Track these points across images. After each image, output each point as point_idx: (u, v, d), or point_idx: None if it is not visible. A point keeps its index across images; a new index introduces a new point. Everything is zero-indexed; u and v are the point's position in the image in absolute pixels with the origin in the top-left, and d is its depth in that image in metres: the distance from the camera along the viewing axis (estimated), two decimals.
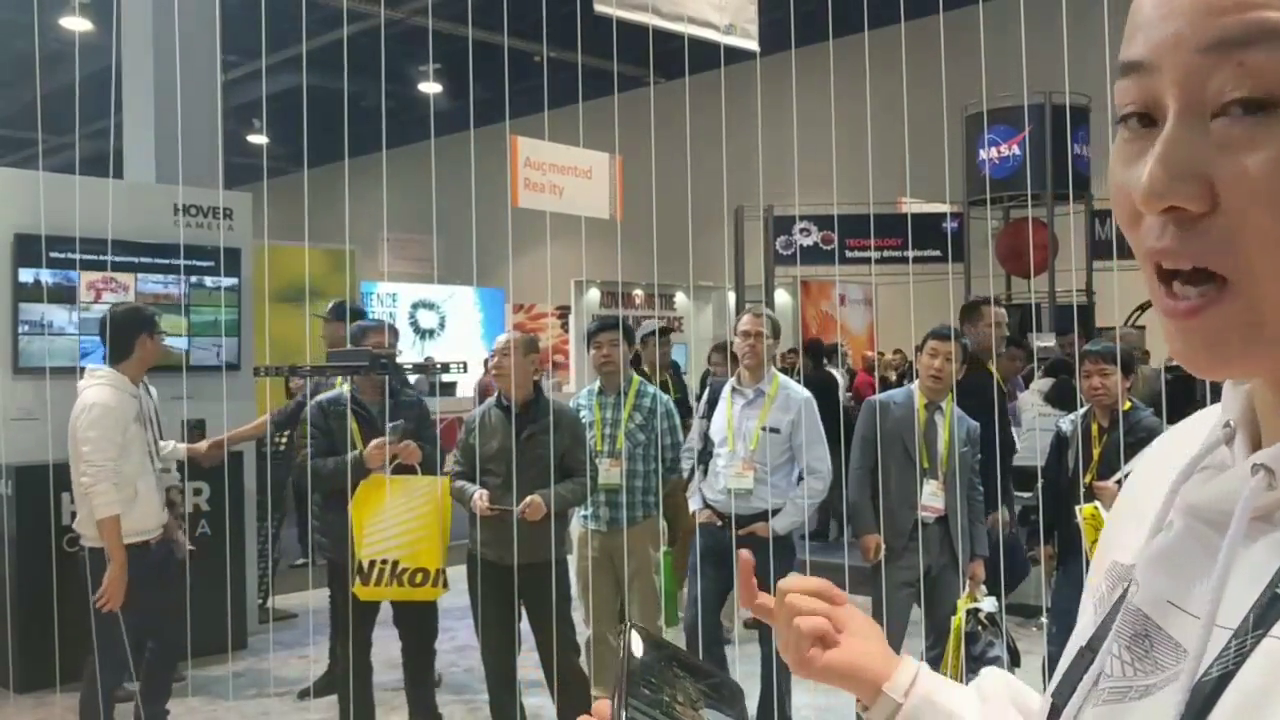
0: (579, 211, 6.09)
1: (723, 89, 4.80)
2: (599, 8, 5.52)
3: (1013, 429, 6.16)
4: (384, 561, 4.25)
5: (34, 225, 5.29)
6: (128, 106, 7.05)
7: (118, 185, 6.67)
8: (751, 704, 4.66)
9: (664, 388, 6.46)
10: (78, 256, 5.79)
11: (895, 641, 4.48)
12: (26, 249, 5.75)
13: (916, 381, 4.59)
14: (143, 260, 6.32)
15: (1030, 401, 6.76)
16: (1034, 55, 4.14)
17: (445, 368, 5.22)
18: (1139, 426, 4.45)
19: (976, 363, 5.34)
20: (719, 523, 4.60)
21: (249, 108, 15.47)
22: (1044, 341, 8.87)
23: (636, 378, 5.15)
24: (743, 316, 4.83)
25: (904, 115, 4.01)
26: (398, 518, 4.29)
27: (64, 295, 6.00)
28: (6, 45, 12.17)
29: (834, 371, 10.79)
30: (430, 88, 16.00)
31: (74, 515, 4.50)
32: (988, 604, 4.37)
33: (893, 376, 10.63)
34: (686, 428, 5.37)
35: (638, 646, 0.87)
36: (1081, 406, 4.84)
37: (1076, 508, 4.36)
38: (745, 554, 1.03)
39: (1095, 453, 4.70)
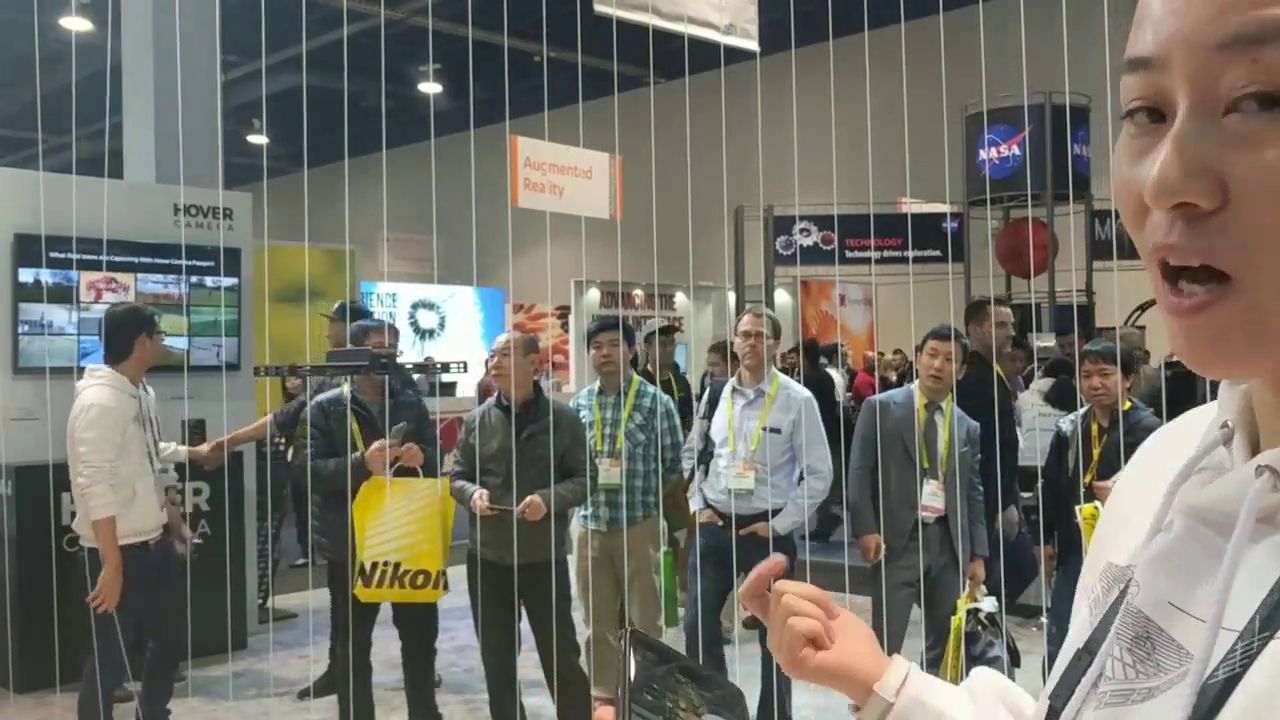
0: (579, 211, 6.09)
1: (723, 89, 4.81)
2: (599, 8, 5.52)
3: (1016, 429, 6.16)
4: (386, 563, 4.26)
5: (34, 225, 5.30)
6: (128, 106, 7.05)
7: (118, 185, 6.68)
8: (751, 704, 4.66)
9: (666, 387, 6.46)
10: (74, 256, 5.79)
11: (895, 641, 4.48)
12: (26, 249, 5.76)
13: (916, 381, 4.59)
14: (143, 260, 6.32)
15: (1030, 401, 6.76)
16: (1034, 55, 4.14)
17: (445, 367, 5.22)
18: (1139, 426, 4.45)
19: (981, 362, 5.34)
20: (720, 523, 4.61)
21: (249, 108, 15.47)
22: (1044, 341, 8.87)
23: (636, 378, 5.15)
24: (743, 317, 4.83)
25: (904, 115, 4.01)
26: (400, 520, 4.29)
27: (64, 295, 6.00)
28: (6, 45, 12.17)
29: (833, 372, 10.79)
30: (430, 88, 16.00)
31: (74, 515, 4.50)
32: (988, 604, 4.37)
33: (893, 376, 10.63)
34: (689, 428, 5.38)
35: (639, 653, 0.88)
36: (1081, 406, 4.84)
37: (1076, 508, 4.36)
38: (780, 559, 1.03)
39: (1095, 453, 4.70)
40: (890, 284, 11.55)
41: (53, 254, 5.74)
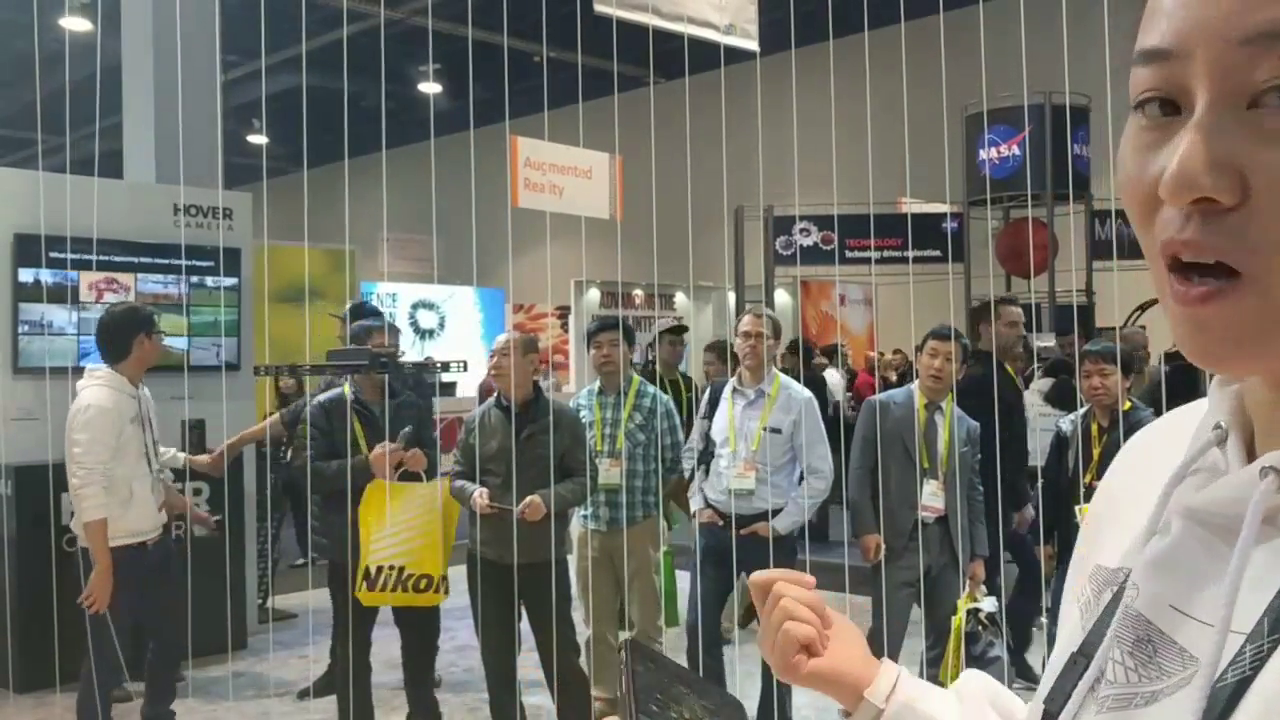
0: (579, 211, 6.09)
1: (723, 89, 4.81)
2: (599, 8, 5.52)
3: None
4: (390, 567, 4.26)
5: (34, 225, 5.29)
6: (128, 106, 7.05)
7: (117, 185, 6.68)
8: (752, 704, 4.66)
9: (675, 388, 6.45)
10: (69, 256, 5.78)
11: (895, 641, 4.48)
12: (26, 249, 5.75)
13: (916, 381, 4.59)
14: (143, 260, 6.32)
15: (1030, 401, 6.76)
16: (1034, 55, 4.14)
17: (445, 367, 5.22)
18: (1139, 426, 4.39)
19: (993, 361, 5.35)
20: (720, 523, 4.61)
21: (249, 108, 15.46)
22: (1044, 341, 8.86)
23: (636, 378, 5.15)
24: (743, 317, 4.83)
25: (904, 115, 4.01)
26: (404, 524, 4.30)
27: (64, 295, 6.00)
28: (6, 45, 12.17)
29: (834, 371, 10.79)
30: (430, 88, 15.99)
31: (73, 515, 4.50)
32: (988, 604, 4.37)
33: (893, 376, 10.63)
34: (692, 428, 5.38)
35: (639, 664, 0.88)
36: (1081, 406, 4.84)
37: (1076, 508, 4.36)
38: (810, 581, 1.02)
39: (1095, 453, 4.70)
40: (890, 284, 11.55)
41: (53, 254, 5.74)
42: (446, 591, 4.40)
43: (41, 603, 4.72)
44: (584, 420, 4.83)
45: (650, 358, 10.53)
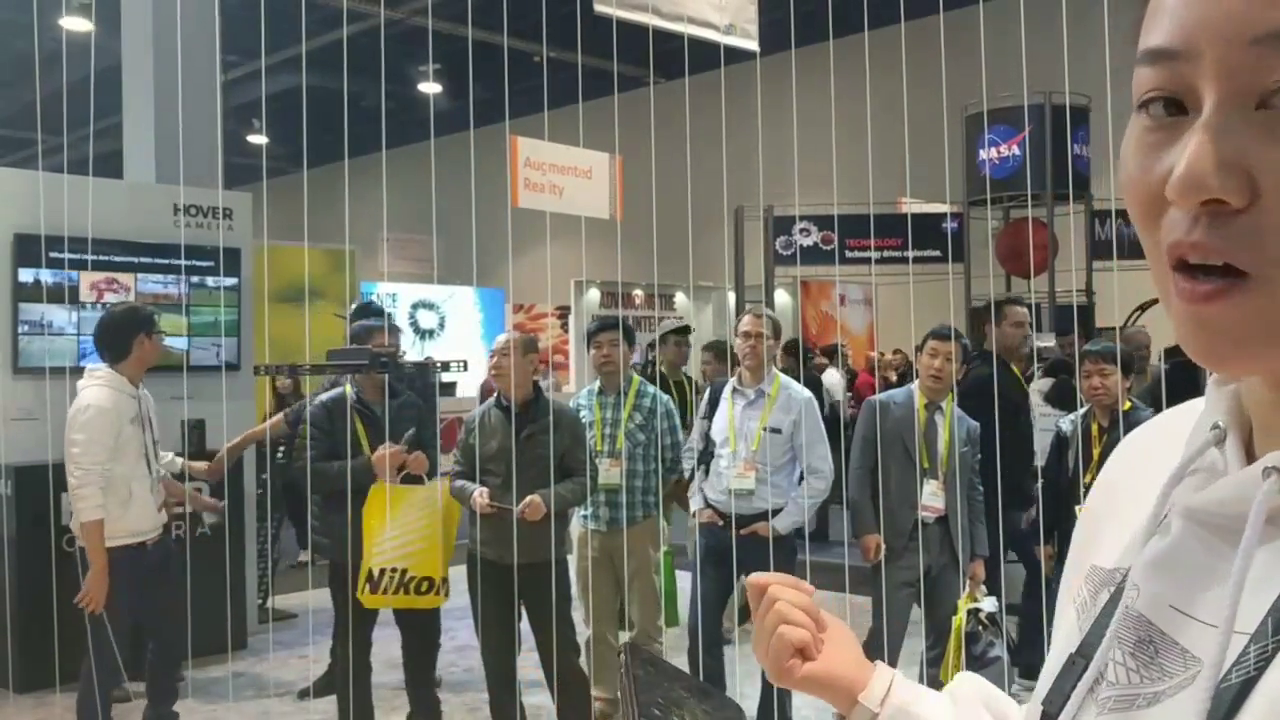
0: (579, 211, 6.09)
1: (723, 89, 4.81)
2: (599, 8, 5.52)
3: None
4: (393, 570, 4.27)
5: (34, 225, 5.29)
6: (128, 106, 7.05)
7: (117, 185, 6.68)
8: (751, 704, 4.66)
9: (680, 389, 6.45)
10: (66, 255, 5.78)
11: (895, 641, 4.48)
12: (26, 249, 5.75)
13: (916, 381, 4.59)
14: (143, 260, 6.32)
15: (1031, 402, 6.76)
16: (1034, 55, 4.14)
17: (445, 367, 5.22)
18: (1139, 426, 4.45)
19: (999, 362, 5.36)
20: (720, 523, 4.61)
21: (249, 108, 15.46)
22: (1044, 341, 8.86)
23: (636, 378, 5.15)
24: (743, 317, 4.83)
25: (904, 115, 4.01)
26: (407, 527, 4.30)
27: (64, 295, 6.00)
28: (6, 45, 12.17)
29: (834, 371, 10.79)
30: (430, 88, 15.98)
31: (72, 515, 4.50)
32: (988, 604, 4.37)
33: (893, 376, 10.62)
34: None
35: (639, 668, 0.88)
36: (1081, 406, 4.84)
37: (1077, 508, 4.35)
38: (809, 589, 1.02)
39: (1095, 453, 4.70)
40: (890, 284, 11.54)
41: (53, 254, 5.74)
42: (447, 594, 4.41)
43: (41, 603, 4.72)
44: (584, 420, 4.83)
45: (651, 358, 10.54)
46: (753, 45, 6.35)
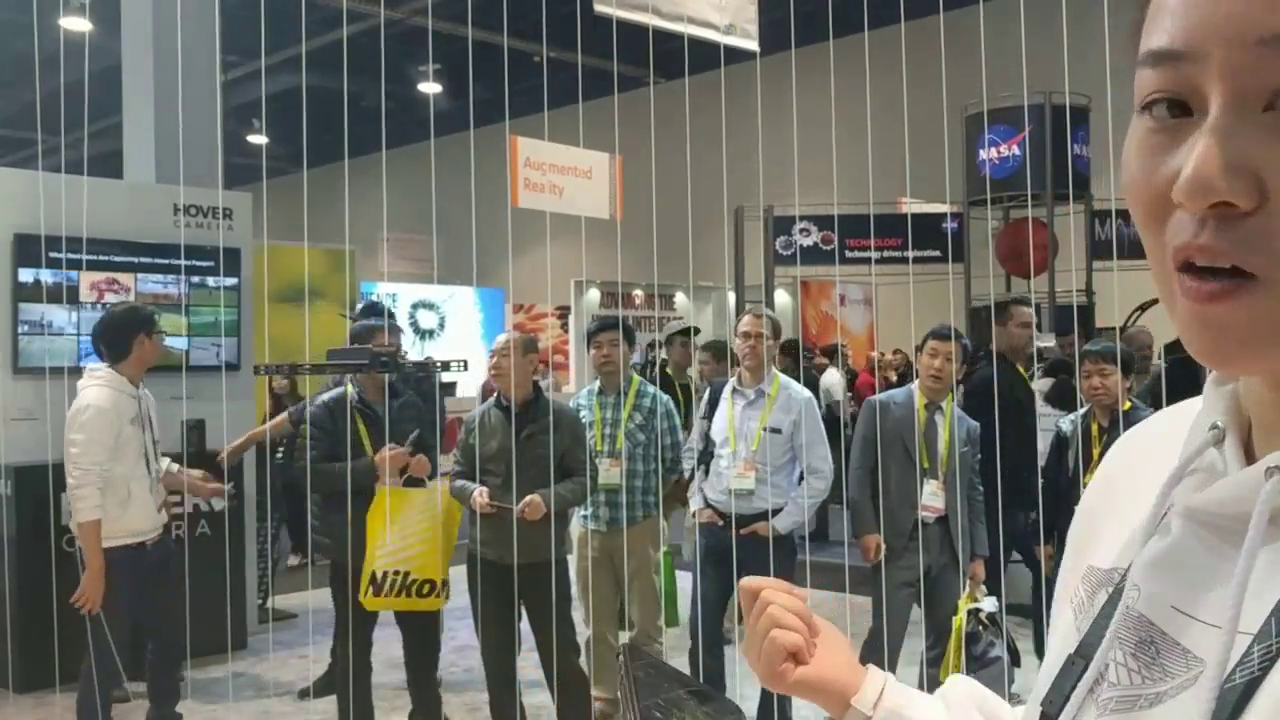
0: (579, 211, 6.09)
1: (723, 89, 4.81)
2: (599, 8, 5.52)
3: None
4: (396, 573, 4.28)
5: (34, 225, 5.29)
6: (128, 106, 7.05)
7: (117, 185, 6.69)
8: (751, 705, 4.66)
9: (685, 391, 6.44)
10: (64, 255, 5.78)
11: (895, 641, 4.48)
12: (26, 249, 5.75)
13: (916, 381, 4.59)
14: (143, 260, 6.32)
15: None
16: (1034, 55, 4.14)
17: (446, 366, 5.22)
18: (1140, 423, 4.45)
19: (1005, 362, 5.37)
20: (720, 523, 4.61)
21: (249, 108, 15.45)
22: (1044, 342, 8.86)
23: (636, 377, 5.15)
24: (743, 317, 4.83)
25: (904, 115, 4.01)
26: (411, 530, 4.32)
27: (65, 295, 6.00)
28: (6, 45, 12.17)
29: (834, 371, 10.79)
30: (430, 88, 15.98)
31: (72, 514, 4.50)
32: (988, 604, 4.37)
33: (893, 376, 10.62)
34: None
35: (639, 669, 0.89)
36: (1081, 406, 4.84)
37: (1077, 508, 4.35)
38: (801, 593, 1.02)
39: (1095, 453, 4.70)
40: (890, 284, 11.54)
41: (52, 254, 5.74)
42: (447, 596, 4.42)
43: (41, 603, 4.72)
44: (584, 420, 4.83)
45: (651, 357, 10.53)
46: (753, 45, 6.35)
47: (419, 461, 4.42)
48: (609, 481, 4.84)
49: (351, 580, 4.33)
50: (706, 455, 4.75)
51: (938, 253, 11.04)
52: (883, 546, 4.47)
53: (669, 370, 6.88)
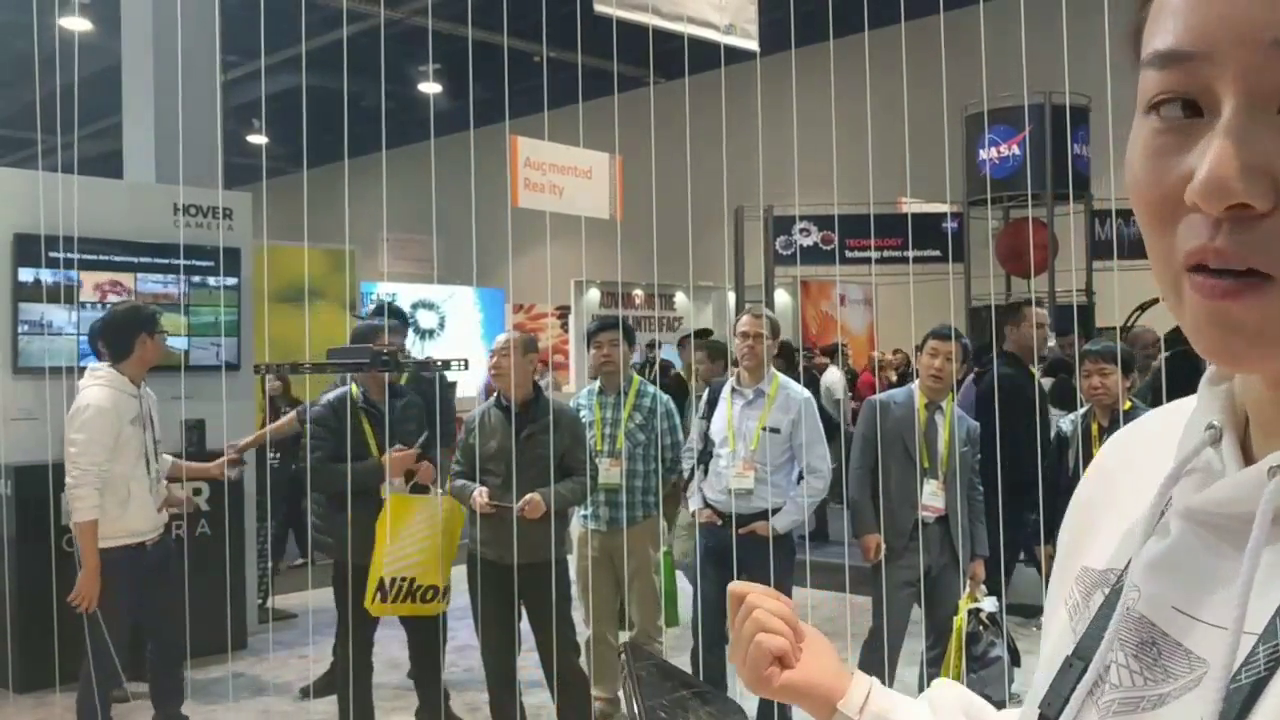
0: (579, 211, 6.09)
1: (723, 89, 4.80)
2: (599, 8, 5.52)
3: None
4: (403, 579, 4.29)
5: (34, 225, 5.29)
6: (128, 106, 7.05)
7: (118, 185, 6.69)
8: (752, 704, 4.65)
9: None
10: (61, 255, 5.77)
11: (895, 641, 4.48)
12: (26, 249, 5.75)
13: (916, 381, 4.59)
14: (142, 260, 6.32)
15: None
16: (1034, 55, 4.14)
17: (446, 365, 5.22)
18: (1140, 417, 4.45)
19: (1017, 363, 5.37)
20: (719, 522, 4.61)
21: (249, 108, 15.46)
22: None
23: (636, 377, 5.15)
24: (741, 317, 4.83)
25: (904, 115, 4.01)
26: (417, 536, 4.33)
27: (65, 295, 6.00)
28: (6, 45, 12.17)
29: (834, 370, 10.78)
30: (430, 88, 15.99)
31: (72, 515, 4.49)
32: (988, 604, 4.37)
33: (893, 376, 10.63)
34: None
35: (642, 668, 0.89)
36: (1081, 406, 4.84)
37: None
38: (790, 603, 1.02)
39: (1095, 452, 4.70)
40: (890, 284, 11.55)
41: (52, 254, 5.74)
42: (448, 601, 4.44)
43: (41, 603, 4.72)
44: (584, 420, 4.83)
45: (650, 357, 10.53)
46: (753, 45, 6.36)
47: (426, 469, 4.44)
48: (609, 481, 4.84)
49: (353, 580, 4.32)
50: (706, 455, 4.75)
51: (938, 253, 11.05)
52: (883, 546, 4.47)
53: (679, 372, 6.87)
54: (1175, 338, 5.20)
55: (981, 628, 4.29)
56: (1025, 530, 5.28)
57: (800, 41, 4.33)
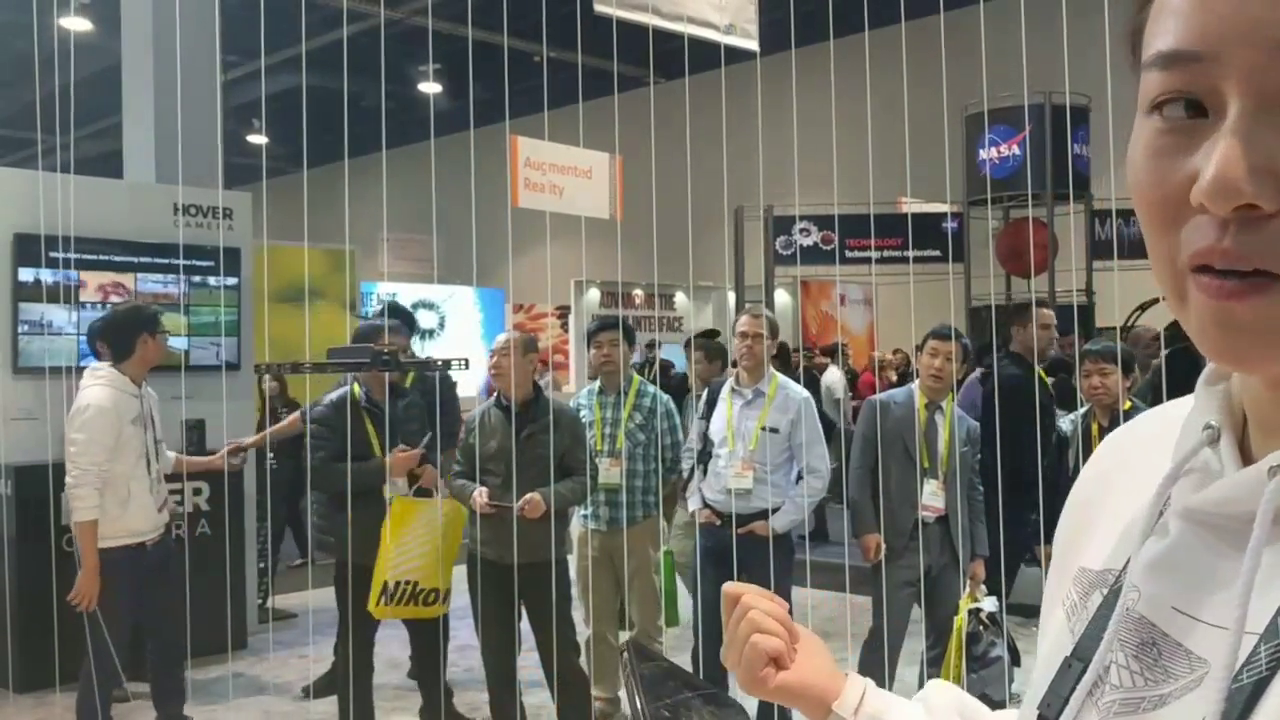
0: (579, 211, 6.09)
1: (723, 89, 4.80)
2: (599, 8, 5.52)
3: None
4: (407, 582, 4.30)
5: (34, 225, 5.30)
6: (128, 106, 7.05)
7: (118, 185, 6.69)
8: (752, 704, 4.66)
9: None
10: (61, 255, 5.78)
11: (896, 641, 4.49)
12: (26, 249, 5.76)
13: (917, 381, 4.59)
14: (142, 260, 6.32)
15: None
16: (1034, 55, 4.14)
17: (447, 365, 5.21)
18: (1136, 417, 4.45)
19: (1022, 363, 5.38)
20: (718, 522, 4.61)
21: (249, 108, 15.46)
22: None
23: (636, 377, 5.15)
24: (740, 317, 4.83)
25: (904, 115, 4.01)
26: (421, 540, 4.33)
27: (65, 295, 6.00)
28: (6, 45, 12.17)
29: (835, 370, 10.79)
30: (430, 88, 15.99)
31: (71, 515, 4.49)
32: (989, 604, 4.37)
33: (893, 376, 10.63)
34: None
35: (644, 667, 0.89)
36: (1081, 406, 4.84)
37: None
38: (784, 605, 1.02)
39: None
40: (890, 284, 11.55)
41: (52, 254, 5.74)
42: (449, 603, 4.44)
43: (41, 603, 4.72)
44: (584, 420, 4.83)
45: (650, 357, 10.53)
46: (753, 45, 6.36)
47: (429, 473, 4.45)
48: (609, 481, 4.84)
49: (354, 580, 4.32)
50: (705, 455, 4.75)
51: (938, 253, 11.05)
52: (883, 546, 4.47)
53: (682, 372, 6.87)
54: (1175, 334, 5.21)
55: (982, 628, 4.29)
56: (1028, 530, 5.28)
57: (800, 41, 4.33)
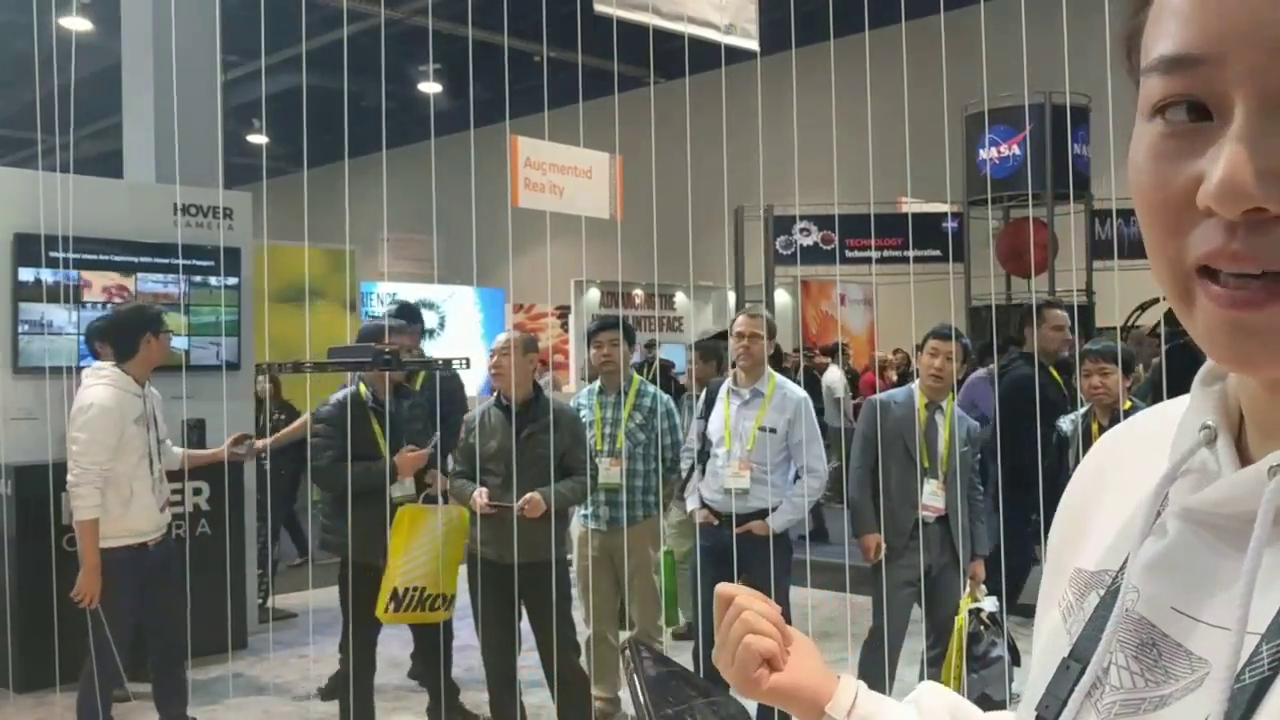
0: (579, 211, 6.10)
1: (723, 89, 4.80)
2: (599, 8, 5.53)
3: None
4: (415, 588, 4.31)
5: (34, 225, 5.30)
6: (128, 106, 7.06)
7: (118, 185, 6.69)
8: (752, 706, 4.66)
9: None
10: (61, 255, 5.78)
11: (896, 641, 4.48)
12: (26, 249, 5.76)
13: (917, 381, 4.59)
14: (142, 260, 6.32)
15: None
16: (1034, 55, 4.14)
17: (448, 364, 5.21)
18: (1133, 415, 4.45)
19: (1038, 364, 5.39)
20: (716, 522, 4.61)
21: (249, 108, 15.46)
22: None
23: (637, 377, 5.15)
24: (738, 318, 4.83)
25: (904, 115, 4.01)
26: (429, 546, 4.33)
27: (65, 295, 6.00)
28: (6, 45, 12.17)
29: (835, 369, 10.79)
30: (430, 88, 15.99)
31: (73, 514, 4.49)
32: (989, 604, 4.37)
33: (893, 376, 10.64)
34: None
35: (646, 665, 0.89)
36: (1081, 406, 4.84)
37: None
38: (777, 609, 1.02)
39: None
40: (890, 284, 11.55)
41: (53, 254, 5.74)
42: (453, 608, 4.46)
43: (41, 603, 4.72)
44: (584, 420, 4.83)
45: (650, 357, 10.53)
46: (753, 45, 6.36)
47: (435, 476, 4.45)
48: (609, 481, 4.84)
49: (361, 580, 4.32)
50: (703, 455, 4.75)
51: (938, 252, 11.05)
52: (883, 546, 4.47)
53: (691, 384, 6.87)
54: (1174, 331, 5.21)
55: (982, 627, 4.29)
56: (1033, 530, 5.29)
57: (800, 41, 4.33)
